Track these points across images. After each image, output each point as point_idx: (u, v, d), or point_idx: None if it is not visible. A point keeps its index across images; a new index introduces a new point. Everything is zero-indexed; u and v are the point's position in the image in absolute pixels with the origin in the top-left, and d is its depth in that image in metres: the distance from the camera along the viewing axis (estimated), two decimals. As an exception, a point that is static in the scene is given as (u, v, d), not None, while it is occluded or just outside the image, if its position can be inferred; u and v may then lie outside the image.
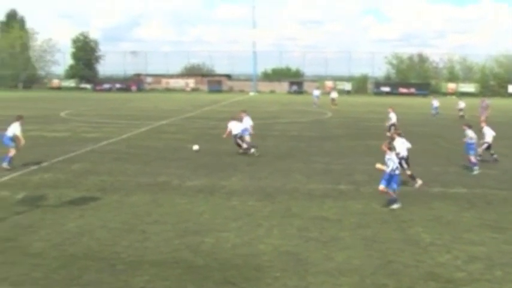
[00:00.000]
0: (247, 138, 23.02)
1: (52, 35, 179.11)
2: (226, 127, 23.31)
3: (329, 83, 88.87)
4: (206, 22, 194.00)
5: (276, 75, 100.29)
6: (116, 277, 8.95)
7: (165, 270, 9.27)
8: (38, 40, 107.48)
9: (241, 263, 9.68)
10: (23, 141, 18.97)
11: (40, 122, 35.04)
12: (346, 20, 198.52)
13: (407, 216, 12.90)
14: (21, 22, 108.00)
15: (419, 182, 15.91)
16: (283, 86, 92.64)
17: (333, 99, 52.93)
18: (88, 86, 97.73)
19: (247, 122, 23.40)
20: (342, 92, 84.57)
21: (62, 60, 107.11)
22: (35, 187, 15.63)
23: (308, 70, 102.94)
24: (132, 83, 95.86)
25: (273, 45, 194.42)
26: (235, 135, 22.44)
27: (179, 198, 14.41)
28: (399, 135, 16.58)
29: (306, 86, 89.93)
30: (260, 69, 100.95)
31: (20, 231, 11.37)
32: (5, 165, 18.24)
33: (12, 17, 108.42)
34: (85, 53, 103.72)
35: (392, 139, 16.67)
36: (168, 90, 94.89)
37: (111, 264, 9.50)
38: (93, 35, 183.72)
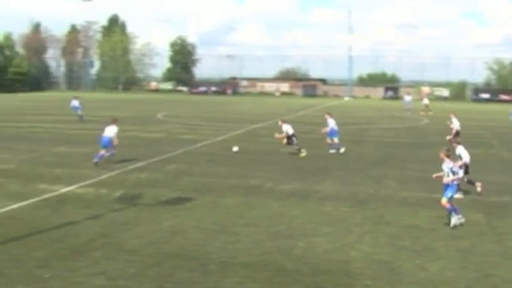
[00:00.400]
0: (335, 140, 23.83)
1: (151, 39, 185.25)
2: (281, 130, 23.49)
3: (425, 89, 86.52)
4: (301, 26, 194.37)
5: (371, 80, 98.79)
6: (207, 277, 9.10)
7: (255, 273, 9.34)
8: (138, 44, 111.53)
9: (332, 269, 9.59)
10: (116, 142, 20.05)
11: (138, 123, 36.35)
12: (444, 24, 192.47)
13: (505, 228, 12.31)
14: (122, 27, 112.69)
15: (478, 185, 15.62)
16: (378, 92, 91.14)
17: (426, 106, 51.52)
18: (184, 88, 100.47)
19: (331, 123, 23.90)
20: (439, 98, 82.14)
21: (160, 64, 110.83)
22: (132, 186, 16.22)
23: (404, 75, 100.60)
24: (228, 86, 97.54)
25: (368, 50, 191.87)
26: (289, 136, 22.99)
27: (272, 201, 14.48)
28: (459, 143, 16.43)
29: (402, 92, 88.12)
30: (355, 74, 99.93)
31: (117, 228, 11.83)
32: (96, 160, 19.32)
33: (114, 22, 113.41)
34: (182, 57, 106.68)
35: (457, 143, 16.48)
36: (263, 93, 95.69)
37: (203, 264, 9.68)
38: (191, 39, 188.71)
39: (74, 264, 9.57)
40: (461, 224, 12.36)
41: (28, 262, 9.62)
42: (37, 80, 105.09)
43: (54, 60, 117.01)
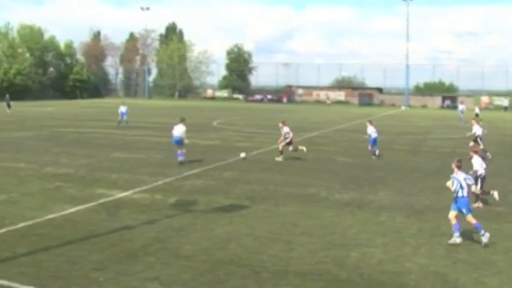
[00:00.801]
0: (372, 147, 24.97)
1: (208, 46, 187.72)
2: (282, 132, 24.02)
3: (484, 98, 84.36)
4: (359, 34, 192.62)
5: (428, 89, 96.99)
6: (260, 285, 9.11)
7: (308, 282, 9.29)
8: (195, 51, 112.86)
9: (386, 280, 9.45)
10: (186, 141, 21.86)
11: (194, 130, 36.74)
12: (505, 33, 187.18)
13: None
14: (180, 35, 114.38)
15: (494, 193, 15.21)
16: (436, 101, 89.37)
17: (476, 115, 50.21)
18: (240, 96, 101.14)
19: (371, 130, 25.09)
20: (498, 108, 79.97)
21: (216, 71, 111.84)
22: (187, 192, 16.42)
23: (462, 84, 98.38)
24: (284, 95, 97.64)
25: (426, 58, 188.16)
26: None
27: (326, 210, 14.40)
28: (476, 152, 16.01)
29: (461, 101, 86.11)
30: (412, 83, 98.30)
31: (171, 233, 11.99)
32: (180, 159, 21.32)
33: (172, 30, 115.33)
34: (238, 64, 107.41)
35: (475, 152, 16.03)
36: (319, 102, 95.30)
37: (256, 272, 9.69)
38: (247, 46, 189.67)
39: (129, 268, 9.75)
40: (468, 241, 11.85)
41: (85, 265, 9.86)
42: (96, 86, 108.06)
43: (113, 68, 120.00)
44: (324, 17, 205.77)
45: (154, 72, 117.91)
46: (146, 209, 14.11)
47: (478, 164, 15.54)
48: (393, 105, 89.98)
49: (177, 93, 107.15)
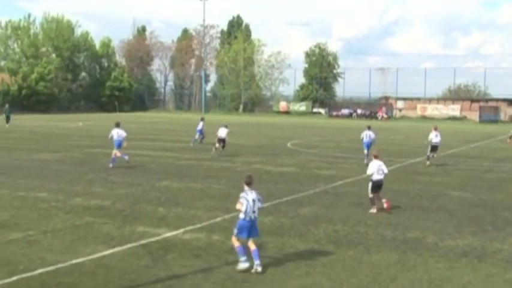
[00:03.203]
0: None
1: (281, 47, 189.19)
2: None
3: None
4: (486, 28, 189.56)
5: None
6: None
7: None
8: (265, 53, 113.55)
9: None
10: (125, 144, 30.24)
11: (263, 154, 36.95)
12: None
13: None
14: (246, 31, 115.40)
15: (374, 210, 19.41)
16: None
17: None
18: (322, 110, 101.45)
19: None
20: None
21: (292, 79, 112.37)
22: (253, 233, 16.37)
23: None
24: (379, 108, 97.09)
25: None
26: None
27: (435, 261, 14.07)
28: (376, 157, 20.20)
29: None
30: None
31: (233, 285, 11.96)
32: (112, 165, 28.06)
33: (236, 26, 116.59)
34: (320, 70, 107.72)
35: (375, 156, 20.33)
36: (425, 118, 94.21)
37: None
38: (332, 47, 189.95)
39: (178, 329, 9.75)
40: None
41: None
42: (140, 97, 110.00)
43: (161, 73, 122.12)
44: (436, 6, 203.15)
45: (213, 79, 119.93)
46: (201, 253, 14.17)
47: (373, 168, 19.85)
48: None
49: (241, 106, 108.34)
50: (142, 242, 15.11)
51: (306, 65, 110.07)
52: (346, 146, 44.17)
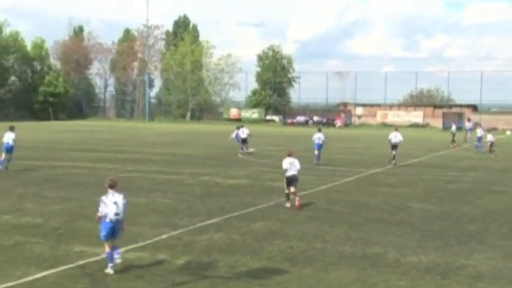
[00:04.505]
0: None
1: (232, 49, 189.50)
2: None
3: None
4: (450, 30, 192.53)
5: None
6: None
7: None
8: (214, 56, 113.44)
9: None
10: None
11: (213, 164, 36.89)
12: None
13: None
14: (194, 32, 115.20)
15: (288, 204, 22.73)
16: None
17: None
18: (276, 118, 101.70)
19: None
20: None
21: (244, 83, 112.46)
22: (202, 251, 16.32)
23: None
24: (337, 116, 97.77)
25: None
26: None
27: (397, 278, 14.19)
28: (289, 155, 23.49)
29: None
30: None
31: (180, 309, 11.89)
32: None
33: (183, 26, 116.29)
34: (274, 74, 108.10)
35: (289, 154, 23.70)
36: (385, 125, 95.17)
37: None
38: (287, 49, 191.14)
39: None
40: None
41: None
42: (77, 103, 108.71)
43: (101, 77, 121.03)
44: (398, 6, 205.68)
45: (158, 84, 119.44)
46: (145, 274, 14.07)
47: (285, 164, 23.11)
48: (494, 129, 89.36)
49: (189, 113, 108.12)
50: (80, 262, 14.92)
51: (259, 69, 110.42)
52: (302, 156, 44.12)
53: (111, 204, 14.12)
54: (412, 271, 14.85)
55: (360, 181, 30.99)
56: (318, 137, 39.30)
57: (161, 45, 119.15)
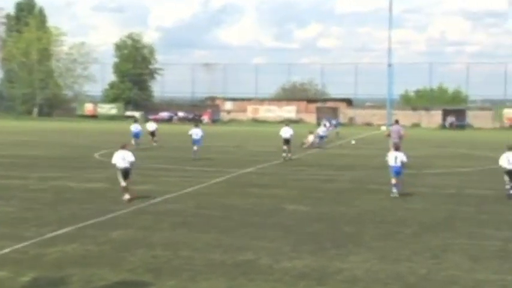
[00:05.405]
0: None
1: (86, 37, 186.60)
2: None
3: (509, 112, 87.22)
4: (322, 20, 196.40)
5: (423, 99, 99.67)
6: None
7: None
8: (65, 45, 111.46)
9: None
10: None
11: (66, 167, 36.32)
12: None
13: None
14: (41, 17, 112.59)
15: (126, 196, 24.69)
16: (434, 117, 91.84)
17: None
18: (137, 114, 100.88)
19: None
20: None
21: (100, 76, 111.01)
22: (53, 264, 16.01)
23: (476, 92, 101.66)
24: (204, 111, 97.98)
25: (420, 54, 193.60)
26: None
27: (270, 286, 14.34)
28: (122, 148, 25.90)
29: (472, 117, 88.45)
30: (398, 91, 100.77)
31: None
32: None
33: (27, 9, 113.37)
34: (134, 65, 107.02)
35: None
36: (257, 121, 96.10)
37: None
38: (149, 38, 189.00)
39: None
40: None
41: None
42: None
43: None
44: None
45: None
46: (-13, 293, 13.74)
47: (117, 157, 25.26)
48: (369, 124, 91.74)
49: (36, 109, 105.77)
50: None
51: (117, 60, 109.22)
52: (168, 156, 44.23)
53: None
54: (285, 277, 15.03)
55: (231, 182, 31.19)
56: (195, 132, 42.87)
57: (1, 30, 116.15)
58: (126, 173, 25.24)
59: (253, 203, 25.23)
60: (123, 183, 25.13)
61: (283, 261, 16.50)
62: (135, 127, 51.85)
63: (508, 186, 27.14)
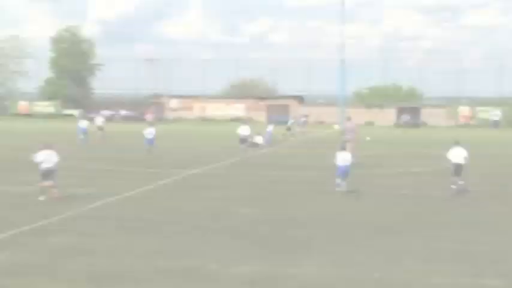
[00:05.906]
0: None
1: (19, 30, 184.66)
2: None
3: (464, 110, 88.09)
4: (272, 14, 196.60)
5: (377, 97, 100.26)
6: None
7: None
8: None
9: None
10: None
11: (-1, 169, 35.94)
12: (498, 9, 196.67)
13: None
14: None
15: (43, 197, 25.31)
16: (388, 115, 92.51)
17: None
18: (75, 112, 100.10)
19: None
20: (485, 124, 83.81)
21: (35, 71, 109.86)
22: (-16, 274, 15.92)
23: (430, 89, 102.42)
24: (148, 109, 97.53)
25: (373, 50, 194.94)
26: None
27: (218, 294, 14.43)
28: (48, 148, 26.21)
29: (427, 115, 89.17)
30: (351, 88, 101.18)
31: None
32: None
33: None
34: (72, 60, 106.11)
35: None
36: (205, 120, 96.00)
37: None
38: (88, 31, 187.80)
39: None
40: None
41: None
42: None
43: None
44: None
45: None
46: None
47: (42, 156, 25.55)
48: (321, 122, 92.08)
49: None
50: None
51: (54, 54, 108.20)
52: (110, 157, 43.98)
53: None
54: (235, 284, 15.11)
55: (176, 184, 31.14)
56: (150, 131, 47.88)
57: None
58: (49, 173, 25.69)
59: (200, 205, 25.22)
60: (44, 183, 25.54)
61: (231, 266, 16.55)
62: (82, 123, 56.00)
63: (454, 186, 27.86)
